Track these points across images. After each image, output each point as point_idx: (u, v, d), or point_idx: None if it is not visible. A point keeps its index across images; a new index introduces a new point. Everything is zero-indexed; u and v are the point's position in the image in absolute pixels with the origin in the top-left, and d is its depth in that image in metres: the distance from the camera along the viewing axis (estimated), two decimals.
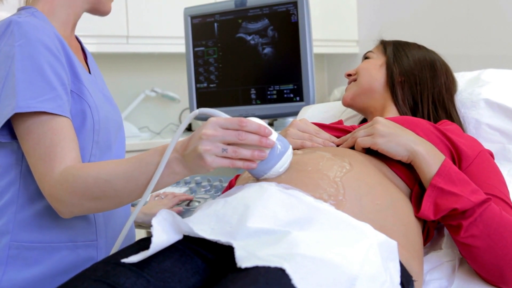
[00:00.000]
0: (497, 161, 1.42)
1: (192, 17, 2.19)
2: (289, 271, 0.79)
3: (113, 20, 3.02)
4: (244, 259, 0.83)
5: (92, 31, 2.97)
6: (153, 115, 3.49)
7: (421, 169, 1.12)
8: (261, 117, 2.15)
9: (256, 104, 2.11)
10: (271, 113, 2.08)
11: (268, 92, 2.09)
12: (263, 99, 2.10)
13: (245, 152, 0.97)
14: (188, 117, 1.01)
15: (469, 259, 1.11)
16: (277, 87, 2.07)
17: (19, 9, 1.25)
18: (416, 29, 3.24)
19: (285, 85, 2.06)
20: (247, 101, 2.13)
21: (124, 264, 0.90)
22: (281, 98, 2.07)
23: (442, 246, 1.23)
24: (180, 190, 1.90)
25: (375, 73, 1.48)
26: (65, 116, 1.13)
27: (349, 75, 1.55)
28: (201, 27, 2.19)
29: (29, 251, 1.17)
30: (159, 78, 3.43)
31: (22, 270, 1.16)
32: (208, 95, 2.20)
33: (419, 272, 1.04)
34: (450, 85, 1.49)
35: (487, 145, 1.44)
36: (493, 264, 1.07)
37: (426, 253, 1.24)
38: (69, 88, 1.17)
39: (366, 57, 1.56)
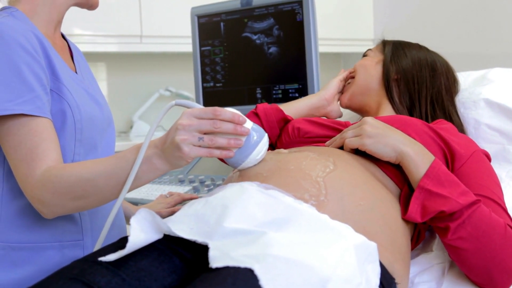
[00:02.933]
0: (496, 162, 1.40)
1: (199, 17, 2.19)
2: (258, 271, 0.79)
3: (126, 20, 3.06)
4: (217, 259, 0.83)
5: (106, 31, 3.01)
6: (167, 114, 3.50)
7: (409, 170, 1.10)
8: None
9: (262, 103, 2.11)
10: None
11: (274, 92, 2.08)
12: (269, 99, 2.09)
13: (221, 140, 0.99)
14: (163, 110, 1.03)
15: (458, 262, 1.09)
16: (282, 87, 2.07)
17: (1, 9, 1.24)
18: (432, 28, 3.20)
19: (290, 85, 2.05)
20: (253, 101, 2.12)
21: (101, 262, 0.91)
22: (286, 97, 2.06)
23: (433, 248, 1.22)
24: (183, 189, 1.91)
25: (371, 70, 1.47)
26: (45, 117, 1.12)
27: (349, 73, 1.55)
28: (207, 26, 2.19)
29: (16, 252, 1.17)
30: (173, 78, 3.45)
31: (10, 270, 1.16)
32: (214, 95, 2.20)
33: (403, 275, 1.02)
34: (450, 86, 1.47)
35: (486, 146, 1.42)
36: (481, 266, 1.05)
37: (416, 255, 1.22)
38: (48, 88, 1.16)
39: (364, 55, 1.55)
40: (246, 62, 2.13)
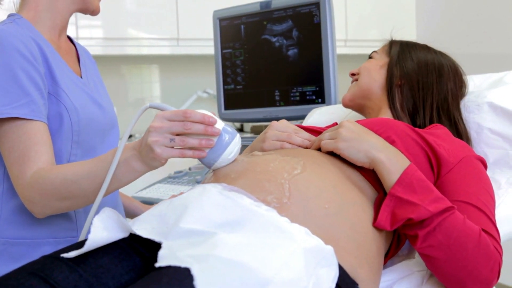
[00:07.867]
0: (498, 167, 1.35)
1: (221, 20, 2.22)
2: (195, 271, 0.79)
3: (163, 23, 3.13)
4: (163, 258, 0.84)
5: (143, 34, 3.09)
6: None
7: (382, 177, 1.08)
8: (285, 118, 2.14)
9: (280, 105, 2.11)
10: (294, 115, 2.07)
11: (292, 94, 2.08)
12: (287, 101, 2.10)
13: (193, 141, 1.02)
14: (138, 112, 1.06)
15: (432, 269, 1.06)
16: (300, 89, 2.06)
17: (8, 16, 1.32)
18: (478, 28, 3.10)
19: (308, 87, 2.04)
20: (272, 103, 2.13)
21: (63, 258, 0.94)
22: (303, 99, 2.06)
23: (416, 255, 1.19)
24: None
25: (375, 74, 1.44)
26: (40, 120, 1.18)
27: (352, 74, 1.52)
28: (229, 29, 2.21)
29: (14, 247, 1.24)
30: (211, 79, 3.49)
31: (8, 265, 1.22)
32: (234, 97, 2.22)
33: (369, 280, 1.00)
34: (457, 92, 1.42)
35: (488, 151, 1.37)
36: (453, 275, 1.02)
37: (399, 261, 1.20)
38: (46, 92, 1.21)
39: (370, 57, 1.53)
40: (265, 65, 2.15)
